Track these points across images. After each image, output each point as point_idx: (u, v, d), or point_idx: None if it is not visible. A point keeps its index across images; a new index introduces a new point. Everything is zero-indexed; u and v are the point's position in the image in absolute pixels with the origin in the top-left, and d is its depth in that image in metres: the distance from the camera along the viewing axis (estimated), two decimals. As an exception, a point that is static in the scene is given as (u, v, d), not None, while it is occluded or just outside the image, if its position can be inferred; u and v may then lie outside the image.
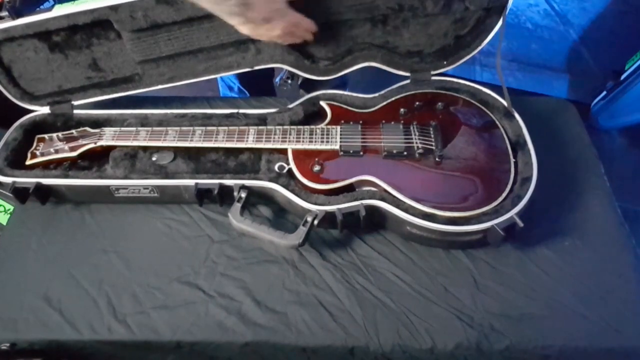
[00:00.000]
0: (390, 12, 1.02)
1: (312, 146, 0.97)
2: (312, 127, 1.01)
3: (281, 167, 0.96)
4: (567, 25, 1.76)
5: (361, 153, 0.96)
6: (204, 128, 1.01)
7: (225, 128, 1.01)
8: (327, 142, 0.97)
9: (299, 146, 0.97)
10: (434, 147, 0.96)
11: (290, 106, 1.08)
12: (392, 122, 1.02)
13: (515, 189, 0.90)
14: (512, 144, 0.98)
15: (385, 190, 0.91)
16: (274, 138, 0.99)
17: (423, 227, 0.86)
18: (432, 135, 0.98)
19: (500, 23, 1.02)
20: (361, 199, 0.90)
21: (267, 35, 0.93)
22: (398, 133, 0.99)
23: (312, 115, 1.08)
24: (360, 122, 1.02)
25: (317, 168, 0.94)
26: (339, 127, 1.00)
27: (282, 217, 0.98)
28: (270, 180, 0.94)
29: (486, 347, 0.81)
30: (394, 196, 0.89)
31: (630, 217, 1.00)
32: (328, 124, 1.02)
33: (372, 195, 0.90)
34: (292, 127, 1.01)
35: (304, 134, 0.99)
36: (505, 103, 1.03)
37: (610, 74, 1.70)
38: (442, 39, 1.07)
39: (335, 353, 0.83)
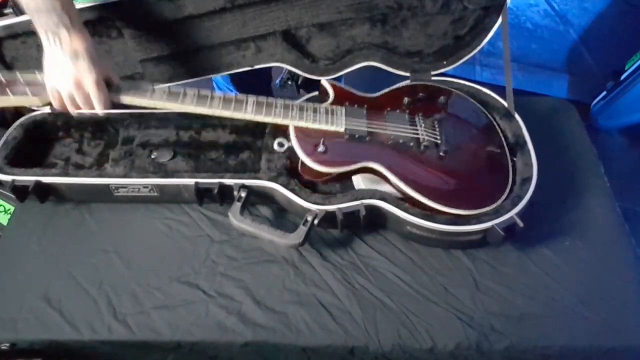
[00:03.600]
0: (389, 12, 1.02)
1: (315, 125, 0.91)
2: (316, 105, 0.95)
3: (281, 144, 0.91)
4: (567, 25, 1.76)
5: (367, 139, 0.92)
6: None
7: (221, 95, 0.92)
8: (332, 122, 0.92)
9: (302, 123, 0.91)
10: (439, 142, 0.94)
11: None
12: (397, 111, 0.99)
13: (515, 189, 0.90)
14: (512, 144, 0.97)
15: (389, 181, 0.88)
16: (274, 112, 0.92)
17: (423, 227, 0.86)
18: (438, 129, 0.96)
19: (499, 21, 1.02)
20: (361, 199, 0.89)
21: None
22: (404, 122, 0.96)
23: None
24: (365, 106, 0.98)
25: (321, 149, 0.88)
26: (343, 108, 0.96)
27: (282, 216, 0.98)
28: (270, 179, 0.94)
29: (486, 347, 0.81)
30: (399, 187, 0.87)
31: (630, 217, 1.00)
32: (331, 104, 0.97)
33: (372, 195, 0.90)
34: (295, 102, 0.95)
35: (307, 111, 0.92)
36: (505, 104, 1.03)
37: (610, 74, 1.70)
38: (442, 38, 1.07)
39: (335, 353, 0.83)
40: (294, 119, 0.91)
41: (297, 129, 0.91)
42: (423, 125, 0.96)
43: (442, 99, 1.03)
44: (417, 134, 0.95)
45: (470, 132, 0.99)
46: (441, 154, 0.92)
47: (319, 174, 0.88)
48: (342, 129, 0.92)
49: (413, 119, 0.97)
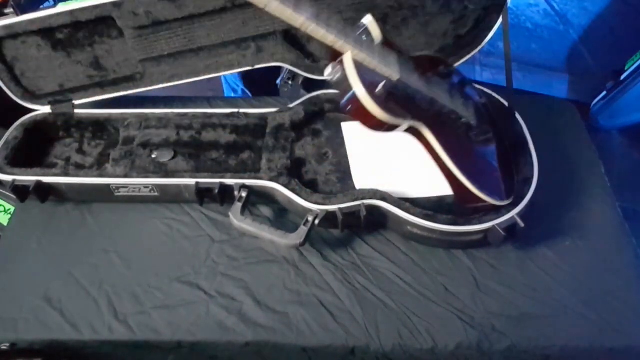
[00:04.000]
0: (389, 11, 1.02)
1: (373, 62, 0.77)
2: (370, 41, 0.80)
3: (334, 72, 0.75)
4: (567, 25, 1.76)
5: (416, 97, 0.82)
6: None
7: None
8: (387, 65, 0.78)
9: (361, 56, 0.76)
10: (473, 124, 0.90)
11: (291, 106, 1.08)
12: (438, 78, 0.89)
13: (515, 189, 0.90)
14: (512, 144, 0.97)
15: (432, 149, 0.81)
16: (334, 31, 0.74)
17: (424, 227, 0.86)
18: (471, 110, 0.91)
19: (500, 21, 1.01)
20: (362, 199, 0.89)
21: None
22: (445, 92, 0.88)
23: (313, 116, 1.08)
24: (411, 61, 0.85)
25: (379, 90, 0.74)
26: (395, 54, 0.82)
27: (282, 216, 0.97)
28: (271, 179, 0.94)
29: (487, 347, 0.81)
30: (440, 159, 0.81)
31: (630, 216, 1.00)
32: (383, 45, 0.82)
33: (372, 195, 0.90)
34: (351, 29, 0.78)
35: (363, 44, 0.76)
36: (506, 104, 1.03)
37: (610, 74, 1.70)
38: (442, 38, 1.07)
39: (336, 353, 0.83)
40: (355, 48, 0.75)
41: (355, 61, 0.75)
42: (461, 101, 0.90)
43: (464, 79, 0.97)
44: (457, 107, 0.89)
45: (489, 125, 0.96)
46: (471, 135, 0.89)
47: (367, 116, 0.75)
48: (396, 77, 0.79)
49: (452, 92, 0.90)
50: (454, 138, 0.86)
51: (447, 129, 0.86)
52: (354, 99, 0.73)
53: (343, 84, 0.74)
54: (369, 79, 0.74)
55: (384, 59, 0.78)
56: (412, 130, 0.82)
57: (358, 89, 0.72)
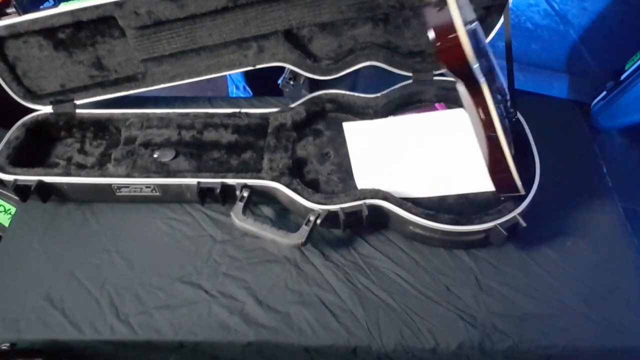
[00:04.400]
0: (391, 11, 1.02)
1: (452, 5, 0.71)
2: None
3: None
4: (567, 25, 1.76)
5: (482, 57, 0.76)
6: None
7: None
8: (472, 11, 0.77)
9: None
10: (512, 110, 0.86)
11: (292, 105, 1.08)
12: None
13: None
14: (514, 144, 0.97)
15: (487, 111, 0.75)
16: None
17: (425, 227, 0.86)
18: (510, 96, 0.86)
19: (501, 21, 1.01)
20: (363, 199, 0.89)
21: None
22: (496, 66, 0.83)
23: (315, 115, 1.08)
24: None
25: (452, 35, 0.71)
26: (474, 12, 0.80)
27: (284, 216, 0.97)
28: (273, 179, 0.94)
29: (489, 347, 0.81)
30: (490, 125, 0.75)
31: (630, 216, 1.00)
32: None
33: (374, 195, 0.90)
34: None
35: None
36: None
37: (610, 74, 1.70)
38: (444, 38, 1.07)
39: (338, 353, 0.83)
40: None
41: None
42: (503, 85, 0.87)
43: None
44: (503, 84, 0.85)
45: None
46: (506, 118, 0.84)
47: (455, 45, 0.71)
48: (475, 27, 0.77)
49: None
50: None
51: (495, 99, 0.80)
52: (448, 23, 0.69)
53: (439, 4, 0.71)
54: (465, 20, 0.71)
55: (469, 3, 0.76)
56: (471, 87, 0.75)
57: (456, 15, 0.69)
